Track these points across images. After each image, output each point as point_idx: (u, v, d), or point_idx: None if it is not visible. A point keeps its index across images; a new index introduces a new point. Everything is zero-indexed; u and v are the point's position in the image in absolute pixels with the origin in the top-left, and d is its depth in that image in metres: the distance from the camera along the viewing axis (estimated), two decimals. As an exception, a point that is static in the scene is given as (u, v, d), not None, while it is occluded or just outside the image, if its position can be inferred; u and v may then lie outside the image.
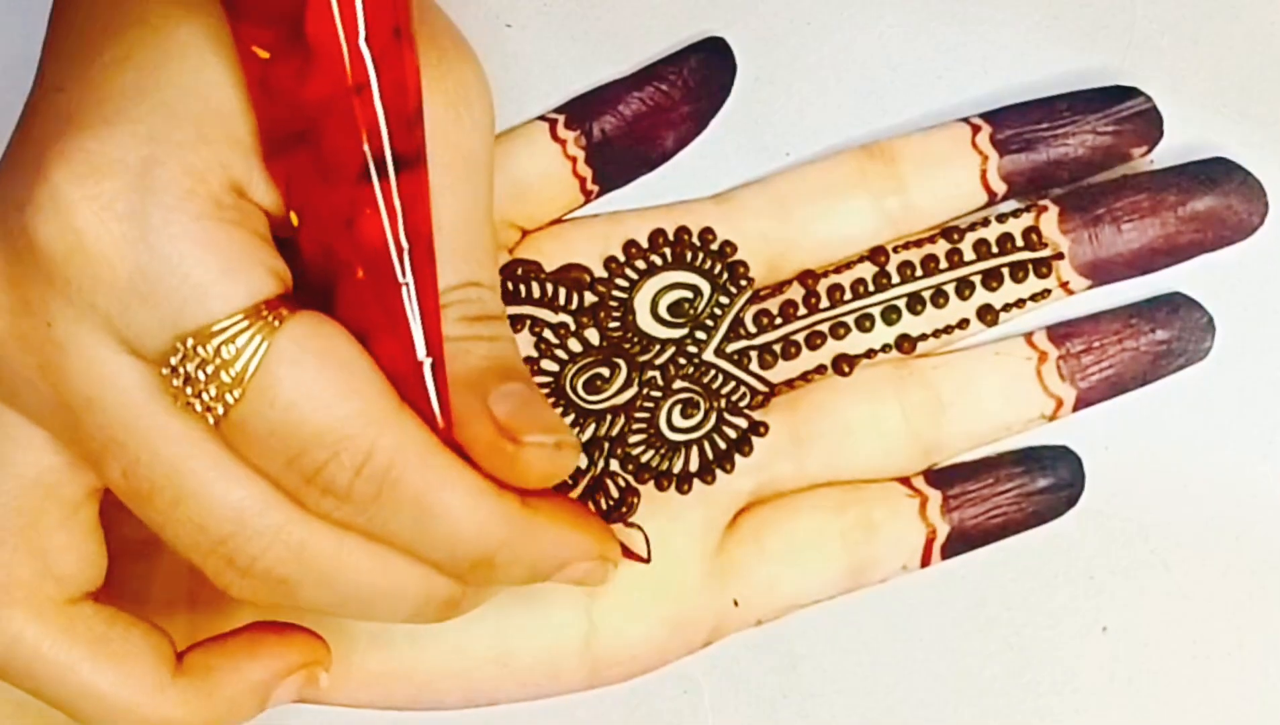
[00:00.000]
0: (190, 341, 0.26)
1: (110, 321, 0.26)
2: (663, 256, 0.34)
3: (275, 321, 0.26)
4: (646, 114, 0.34)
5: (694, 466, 0.34)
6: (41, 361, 0.27)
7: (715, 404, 0.34)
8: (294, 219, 0.28)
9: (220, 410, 0.27)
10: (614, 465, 0.34)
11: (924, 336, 0.34)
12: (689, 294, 0.34)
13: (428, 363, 0.28)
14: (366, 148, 0.27)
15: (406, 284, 0.27)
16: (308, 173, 0.27)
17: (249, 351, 0.26)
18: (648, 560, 0.33)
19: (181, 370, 0.26)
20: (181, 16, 0.28)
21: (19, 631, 0.28)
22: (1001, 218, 0.34)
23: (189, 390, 0.26)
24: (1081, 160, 0.34)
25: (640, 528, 0.34)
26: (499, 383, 0.28)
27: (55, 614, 0.29)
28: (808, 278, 0.34)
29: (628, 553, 0.33)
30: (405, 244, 0.27)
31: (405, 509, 0.27)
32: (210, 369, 0.26)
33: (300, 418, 0.26)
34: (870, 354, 0.34)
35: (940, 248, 0.34)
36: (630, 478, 0.34)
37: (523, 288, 0.34)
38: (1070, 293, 0.34)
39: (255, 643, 0.30)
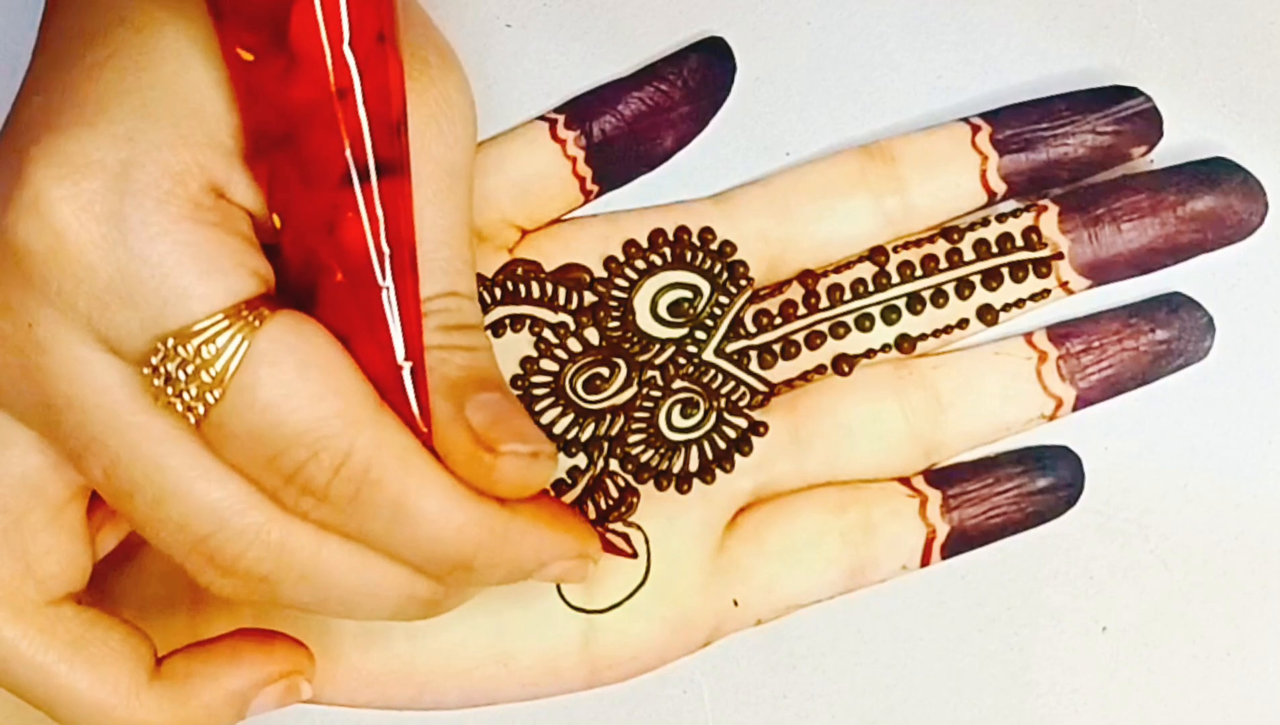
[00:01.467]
0: (170, 342, 0.26)
1: (90, 322, 0.27)
2: (662, 256, 0.34)
3: (255, 321, 0.26)
4: (646, 114, 0.34)
5: (694, 466, 0.34)
6: (24, 362, 0.27)
7: (715, 404, 0.34)
8: (276, 221, 0.28)
9: (201, 410, 0.27)
10: (613, 465, 0.34)
11: (924, 336, 0.34)
12: (689, 294, 0.34)
13: (407, 367, 0.28)
14: (349, 153, 0.27)
15: (387, 288, 0.27)
16: (290, 176, 0.27)
17: (229, 351, 0.26)
18: (634, 555, 0.33)
19: (162, 370, 0.26)
20: (165, 19, 0.28)
21: None
22: (1001, 218, 0.34)
23: (169, 390, 0.26)
24: (1081, 160, 0.34)
25: (640, 527, 0.34)
26: (476, 391, 0.28)
27: (34, 615, 0.29)
28: (807, 277, 0.34)
29: (614, 549, 0.33)
30: (386, 249, 0.27)
31: (383, 511, 0.27)
32: (190, 369, 0.26)
33: (279, 418, 0.26)
34: (870, 354, 0.34)
35: (940, 248, 0.34)
36: (630, 477, 0.34)
37: (522, 287, 0.34)
38: (1070, 292, 0.34)
39: (236, 650, 0.30)
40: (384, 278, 0.27)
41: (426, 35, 0.30)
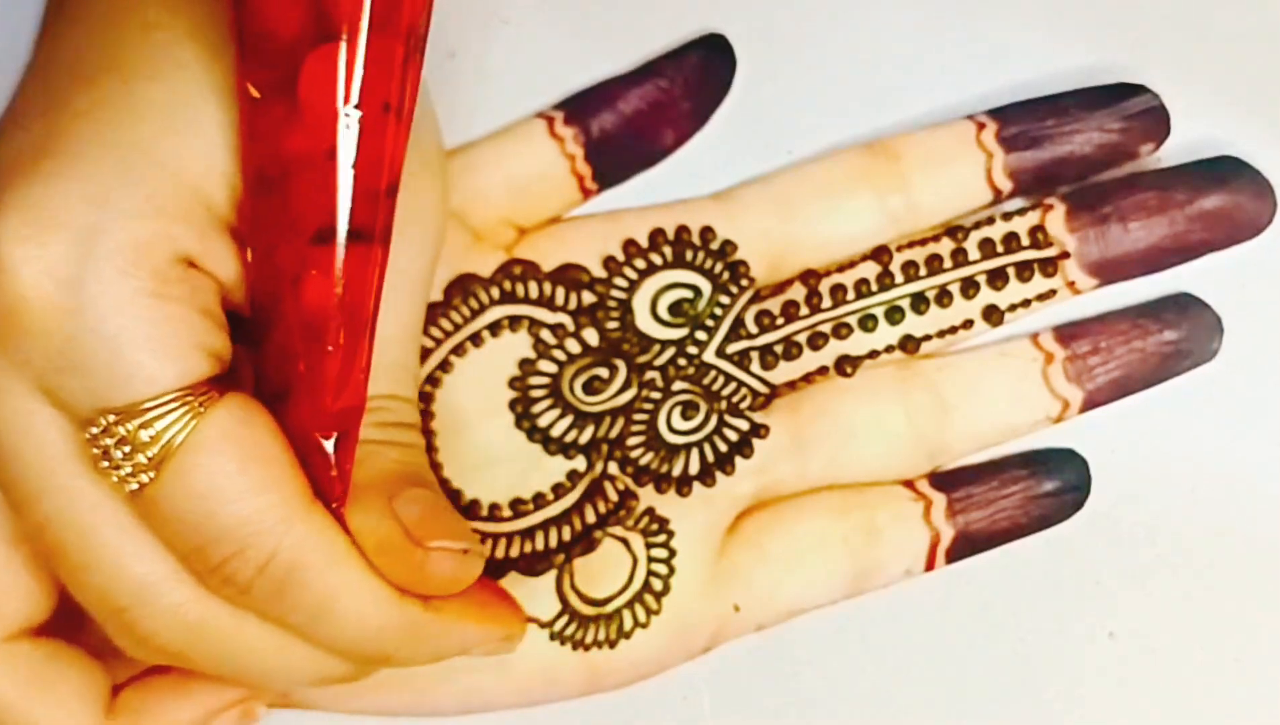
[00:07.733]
0: (112, 417, 0.26)
1: (41, 379, 0.26)
2: (662, 256, 0.34)
3: (201, 407, 0.26)
4: (646, 111, 0.34)
5: (694, 469, 0.34)
6: None
7: (715, 406, 0.34)
8: (249, 255, 0.28)
9: (135, 487, 0.27)
10: (612, 468, 0.34)
11: (928, 337, 0.34)
12: (689, 294, 0.34)
13: (333, 439, 0.28)
14: (322, 213, 0.27)
15: (330, 352, 0.27)
16: (272, 221, 0.27)
17: (169, 434, 0.26)
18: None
19: (101, 442, 0.26)
20: (155, 72, 0.27)
21: None
22: (1007, 216, 0.34)
23: (105, 463, 0.26)
24: (1088, 158, 0.34)
25: (639, 532, 0.33)
26: (409, 487, 0.29)
27: None
28: (810, 277, 0.34)
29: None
30: (341, 314, 0.27)
31: (303, 609, 0.28)
32: (128, 448, 0.26)
33: (210, 510, 0.26)
34: (873, 355, 0.34)
35: (945, 247, 0.34)
36: (629, 481, 0.34)
37: (520, 287, 0.34)
38: (1077, 292, 0.34)
39: (187, 681, 0.31)
40: (333, 341, 0.27)
41: (419, 139, 0.30)
